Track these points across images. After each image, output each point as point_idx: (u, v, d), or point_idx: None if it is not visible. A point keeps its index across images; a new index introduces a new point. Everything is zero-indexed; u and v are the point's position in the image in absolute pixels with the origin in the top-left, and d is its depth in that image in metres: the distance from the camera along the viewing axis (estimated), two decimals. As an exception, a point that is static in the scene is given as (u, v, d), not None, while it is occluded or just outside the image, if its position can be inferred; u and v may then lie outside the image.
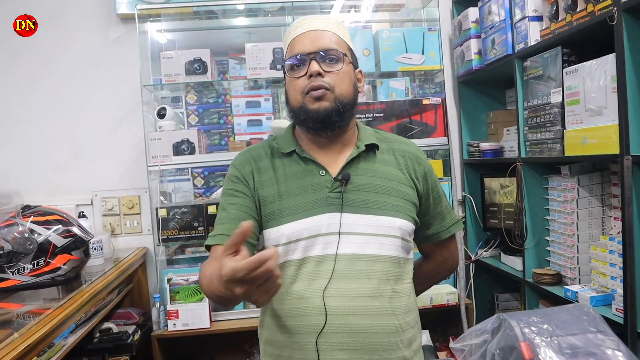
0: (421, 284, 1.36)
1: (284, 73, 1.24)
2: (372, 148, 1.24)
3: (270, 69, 2.46)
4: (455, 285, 2.50)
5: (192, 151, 2.40)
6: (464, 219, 2.68)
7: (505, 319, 0.93)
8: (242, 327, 2.27)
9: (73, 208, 2.59)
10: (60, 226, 1.81)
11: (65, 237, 1.80)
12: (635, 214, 1.49)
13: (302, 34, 1.20)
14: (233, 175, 1.24)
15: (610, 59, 1.56)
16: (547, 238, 2.09)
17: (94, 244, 2.13)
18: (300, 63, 1.18)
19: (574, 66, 1.74)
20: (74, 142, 2.67)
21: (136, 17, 2.46)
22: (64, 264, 1.80)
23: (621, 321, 1.54)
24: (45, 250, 1.76)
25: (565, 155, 1.80)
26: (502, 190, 2.42)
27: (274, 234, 1.17)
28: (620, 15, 1.47)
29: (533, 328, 0.90)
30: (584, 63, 1.68)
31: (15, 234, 1.74)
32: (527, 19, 1.99)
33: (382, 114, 2.46)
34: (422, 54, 2.55)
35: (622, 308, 1.54)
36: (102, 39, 2.68)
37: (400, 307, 1.17)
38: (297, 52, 1.18)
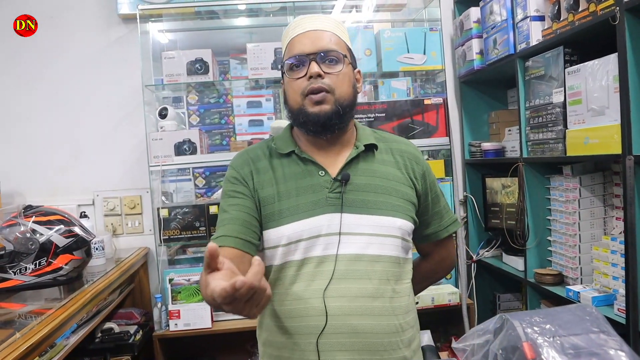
0: (419, 283, 1.35)
1: (282, 73, 1.23)
2: (371, 148, 1.23)
3: (272, 69, 2.46)
4: (456, 285, 2.50)
5: (193, 151, 2.40)
6: (466, 219, 2.68)
7: (508, 319, 0.93)
8: (244, 327, 2.28)
9: (75, 208, 2.59)
10: (62, 226, 1.81)
11: (67, 237, 1.80)
12: (637, 214, 1.49)
13: (301, 34, 1.18)
14: (232, 176, 1.23)
15: (612, 59, 1.55)
16: (548, 238, 2.08)
17: (95, 244, 2.14)
18: (300, 63, 1.17)
19: (576, 66, 1.74)
20: (75, 142, 2.67)
21: (138, 17, 2.47)
22: (66, 264, 1.80)
23: (623, 321, 1.54)
24: (47, 250, 1.76)
25: (567, 155, 1.80)
26: (503, 190, 2.42)
27: (274, 235, 1.16)
28: (622, 15, 1.46)
29: (536, 328, 0.90)
30: (586, 63, 1.68)
31: (17, 234, 1.75)
32: (528, 19, 1.98)
33: (383, 114, 2.46)
34: (424, 54, 2.55)
35: (624, 308, 1.54)
36: (103, 39, 2.68)
37: (401, 307, 1.17)
38: (296, 52, 1.17)
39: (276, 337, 1.16)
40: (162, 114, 2.48)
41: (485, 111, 2.68)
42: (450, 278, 2.54)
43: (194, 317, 2.26)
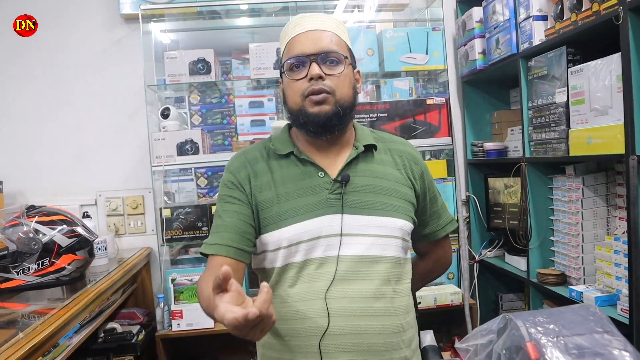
0: (417, 282, 1.35)
1: (281, 72, 1.21)
2: (370, 148, 1.23)
3: (274, 69, 2.46)
4: (459, 286, 2.49)
5: (195, 151, 2.41)
6: (468, 219, 2.68)
7: (511, 319, 0.93)
8: (246, 327, 2.27)
9: (77, 208, 2.60)
10: (64, 226, 1.81)
11: (69, 237, 1.80)
12: (640, 214, 1.48)
13: (301, 34, 1.16)
14: (228, 180, 1.21)
15: (615, 59, 1.55)
16: (551, 238, 2.08)
17: (98, 244, 2.14)
18: (300, 64, 1.15)
19: (579, 66, 1.73)
20: (77, 142, 2.67)
21: (140, 17, 2.47)
22: (69, 264, 1.80)
23: (627, 321, 1.53)
24: (49, 250, 1.76)
25: (570, 155, 1.79)
26: (506, 190, 2.42)
27: (275, 238, 1.15)
28: (625, 14, 1.46)
29: (539, 328, 0.90)
30: (589, 63, 1.68)
31: (20, 234, 1.75)
32: (531, 19, 1.98)
33: (385, 114, 2.46)
34: (426, 53, 2.55)
35: (628, 308, 1.53)
36: (106, 39, 2.69)
37: (401, 307, 1.17)
38: (297, 52, 1.15)
39: (276, 339, 1.15)
40: (165, 114, 2.49)
41: (487, 111, 2.68)
42: (452, 278, 2.54)
43: (196, 317, 2.26)
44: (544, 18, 1.97)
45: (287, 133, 1.26)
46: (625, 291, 1.57)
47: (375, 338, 1.11)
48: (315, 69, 1.13)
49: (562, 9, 1.83)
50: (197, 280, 2.23)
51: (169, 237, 2.37)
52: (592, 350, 0.86)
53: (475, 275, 2.60)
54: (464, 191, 2.67)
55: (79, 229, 1.84)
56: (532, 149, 2.05)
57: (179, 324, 2.28)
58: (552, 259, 2.08)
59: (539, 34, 1.97)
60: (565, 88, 1.81)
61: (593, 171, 1.90)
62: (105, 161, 2.67)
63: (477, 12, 2.42)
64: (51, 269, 1.77)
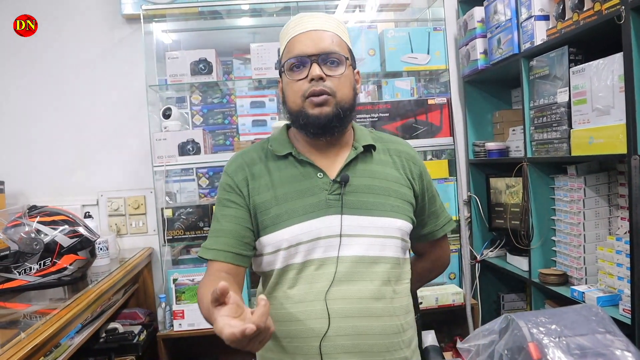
0: (415, 282, 1.35)
1: (280, 72, 1.20)
2: (368, 149, 1.22)
3: (275, 69, 2.46)
4: (460, 286, 2.49)
5: (197, 151, 2.41)
6: (470, 219, 2.68)
7: (513, 319, 0.93)
8: (248, 327, 2.27)
9: (79, 208, 2.60)
10: (66, 226, 1.81)
11: (71, 238, 1.80)
12: (643, 214, 1.48)
13: (302, 33, 1.15)
14: (226, 183, 1.21)
15: (617, 58, 1.55)
16: (553, 238, 2.08)
17: (99, 244, 2.14)
18: (301, 64, 1.14)
19: (581, 65, 1.73)
20: (79, 142, 2.67)
21: (141, 17, 2.47)
22: (70, 264, 1.80)
23: (629, 322, 1.53)
24: (51, 250, 1.76)
25: (572, 155, 1.79)
26: (507, 190, 2.41)
27: (274, 239, 1.14)
28: (627, 14, 1.46)
29: (541, 328, 0.89)
30: (591, 62, 1.68)
31: (22, 234, 1.75)
32: (533, 19, 1.98)
33: (387, 114, 2.46)
34: (428, 53, 2.55)
35: (630, 308, 1.53)
36: (107, 40, 2.69)
37: (401, 308, 1.17)
38: (297, 52, 1.14)
39: (276, 341, 1.15)
40: (166, 114, 2.49)
41: (489, 111, 2.68)
42: (454, 278, 2.54)
43: (198, 317, 2.26)
44: (546, 18, 1.97)
45: (285, 134, 1.26)
46: (628, 291, 1.56)
47: (375, 339, 1.11)
48: (316, 70, 1.12)
49: (563, 9, 1.83)
50: (199, 280, 2.26)
51: (171, 237, 2.37)
52: (594, 351, 0.86)
53: (477, 275, 2.60)
54: (466, 191, 2.67)
55: (81, 229, 1.84)
56: (533, 149, 2.05)
57: (180, 324, 2.28)
58: (553, 259, 2.07)
59: (540, 33, 1.97)
60: (567, 88, 1.80)
61: (595, 171, 1.90)
62: (106, 161, 2.68)
63: (478, 11, 2.42)
64: (53, 269, 1.77)
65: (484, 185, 2.63)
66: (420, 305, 2.13)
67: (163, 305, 2.33)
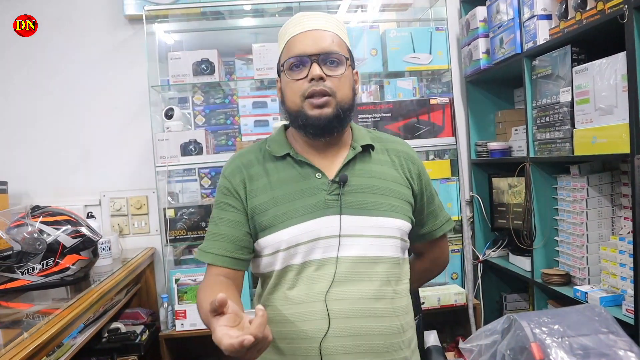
0: (415, 282, 1.34)
1: (279, 71, 1.20)
2: (367, 148, 1.22)
3: (279, 69, 2.46)
4: (463, 286, 2.49)
5: (199, 152, 2.41)
6: (472, 219, 2.67)
7: (516, 320, 0.93)
8: (250, 327, 2.27)
9: (81, 208, 2.60)
10: (69, 226, 1.81)
11: (74, 238, 1.81)
12: (646, 213, 1.47)
13: (302, 33, 1.15)
14: (223, 186, 1.21)
15: (620, 58, 1.54)
16: (556, 238, 2.07)
17: (102, 244, 2.14)
18: (300, 64, 1.14)
19: (584, 65, 1.73)
20: (82, 143, 2.68)
21: (144, 18, 2.47)
22: (73, 264, 1.80)
23: (632, 322, 1.52)
24: (54, 250, 1.76)
25: (575, 154, 1.79)
26: (510, 190, 2.41)
27: (273, 241, 1.14)
28: (630, 13, 1.45)
29: (544, 328, 0.89)
30: (594, 62, 1.67)
31: (25, 234, 1.75)
32: (535, 18, 1.97)
33: (389, 114, 2.46)
34: (430, 53, 2.54)
35: (633, 309, 1.52)
36: (110, 40, 2.69)
37: (401, 308, 1.17)
38: (297, 52, 1.14)
39: (275, 343, 1.14)
40: (168, 115, 2.49)
41: (491, 111, 2.67)
42: (456, 278, 2.54)
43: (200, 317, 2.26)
44: (549, 17, 1.96)
45: (283, 134, 1.25)
46: (631, 291, 1.56)
47: (376, 339, 1.11)
48: (316, 70, 1.11)
49: (566, 8, 1.83)
50: (201, 280, 2.26)
51: (173, 237, 2.37)
52: (597, 351, 0.85)
53: (479, 275, 2.59)
54: (468, 191, 2.67)
55: (83, 229, 1.85)
56: (536, 149, 2.04)
57: (182, 324, 2.28)
58: (556, 259, 2.07)
59: (543, 33, 1.96)
60: (570, 87, 1.80)
61: (598, 171, 1.90)
62: (109, 162, 2.68)
63: (480, 11, 2.41)
64: (55, 269, 1.78)
65: (487, 185, 2.62)
66: (423, 306, 2.13)
67: (165, 305, 2.33)
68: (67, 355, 1.60)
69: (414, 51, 2.53)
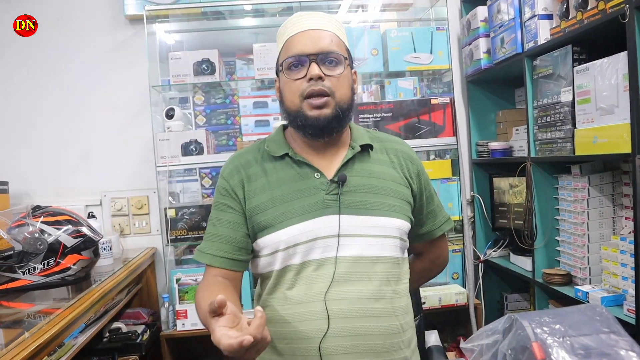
0: (414, 282, 1.34)
1: (277, 71, 1.20)
2: (366, 148, 1.22)
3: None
4: (464, 286, 2.49)
5: (200, 152, 2.41)
6: (473, 219, 2.67)
7: (517, 319, 0.93)
8: (251, 327, 2.27)
9: (82, 208, 2.60)
10: (70, 226, 1.82)
11: (75, 237, 1.81)
12: (647, 213, 1.47)
13: (301, 32, 1.15)
14: (222, 187, 1.21)
15: (621, 57, 1.54)
16: (557, 238, 2.07)
17: (103, 244, 2.15)
18: (299, 64, 1.13)
19: (585, 65, 1.73)
20: (83, 143, 2.68)
21: (144, 18, 2.48)
22: (74, 264, 1.81)
23: (633, 322, 1.52)
24: (55, 250, 1.77)
25: (576, 154, 1.78)
26: (511, 190, 2.41)
27: (272, 240, 1.14)
28: (632, 12, 1.45)
29: (545, 328, 0.89)
30: (595, 61, 1.67)
31: (26, 234, 1.75)
32: (536, 18, 1.97)
33: (390, 114, 2.45)
34: (431, 53, 2.54)
35: (634, 309, 1.52)
36: (110, 41, 2.69)
37: (401, 308, 1.17)
38: (296, 52, 1.13)
39: (275, 343, 1.14)
40: (169, 115, 2.49)
41: (492, 110, 2.67)
42: (457, 278, 2.54)
43: (201, 317, 2.26)
44: (549, 17, 1.96)
45: (281, 134, 1.25)
46: (632, 291, 1.56)
47: (375, 339, 1.11)
48: (315, 69, 1.11)
49: (567, 8, 1.82)
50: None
51: (174, 237, 2.37)
52: (598, 351, 0.85)
53: (480, 275, 2.59)
54: (469, 191, 2.67)
55: (84, 229, 1.85)
56: (537, 149, 2.04)
57: (183, 324, 2.28)
58: (557, 259, 2.07)
59: (544, 32, 1.96)
60: (571, 87, 1.80)
61: (599, 171, 1.90)
62: (110, 162, 2.68)
63: (481, 11, 2.41)
64: (56, 269, 1.78)
65: (487, 185, 2.62)
66: (424, 305, 2.13)
67: (166, 305, 2.33)
68: (68, 355, 1.60)
69: (415, 51, 2.53)
